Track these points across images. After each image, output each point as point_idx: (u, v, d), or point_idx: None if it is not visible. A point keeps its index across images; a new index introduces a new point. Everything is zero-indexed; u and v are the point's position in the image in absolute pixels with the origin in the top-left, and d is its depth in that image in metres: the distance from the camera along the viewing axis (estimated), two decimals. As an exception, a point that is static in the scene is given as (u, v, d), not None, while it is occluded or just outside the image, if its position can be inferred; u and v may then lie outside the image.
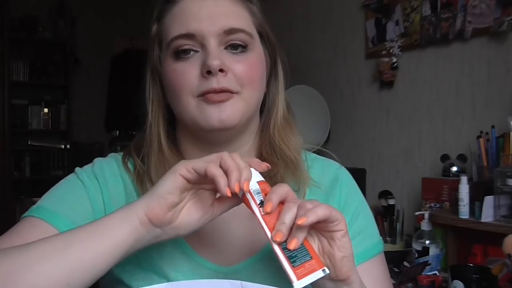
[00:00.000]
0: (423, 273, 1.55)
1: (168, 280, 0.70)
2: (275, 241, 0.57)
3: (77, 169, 0.78)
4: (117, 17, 4.57)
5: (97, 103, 4.51)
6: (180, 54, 0.71)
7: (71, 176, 0.77)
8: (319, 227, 0.60)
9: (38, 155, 4.25)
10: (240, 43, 0.72)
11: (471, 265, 1.44)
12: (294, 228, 0.58)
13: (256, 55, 0.74)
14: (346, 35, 2.58)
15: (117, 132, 4.32)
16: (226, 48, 0.72)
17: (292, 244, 0.57)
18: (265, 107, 0.80)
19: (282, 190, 0.60)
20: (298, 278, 0.57)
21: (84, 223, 0.62)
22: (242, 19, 0.73)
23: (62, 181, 0.76)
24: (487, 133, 1.69)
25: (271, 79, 0.80)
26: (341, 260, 0.60)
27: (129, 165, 0.78)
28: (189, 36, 0.70)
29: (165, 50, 0.73)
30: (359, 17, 2.47)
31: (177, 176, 0.60)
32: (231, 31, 0.71)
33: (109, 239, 0.59)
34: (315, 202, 0.60)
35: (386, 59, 2.27)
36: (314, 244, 0.61)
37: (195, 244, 0.73)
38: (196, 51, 0.71)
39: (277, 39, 0.80)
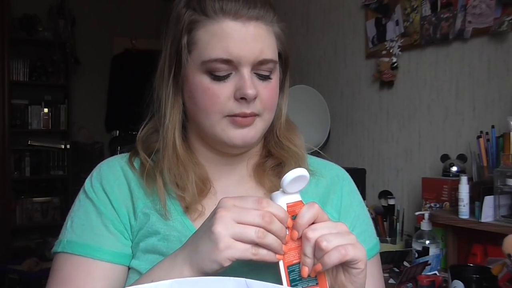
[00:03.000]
0: (423, 273, 1.55)
1: None
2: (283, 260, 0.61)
3: (87, 186, 0.80)
4: (117, 17, 4.57)
5: (97, 103, 4.51)
6: (216, 74, 0.74)
7: (82, 197, 0.80)
8: None
9: (38, 155, 4.25)
10: (268, 73, 0.76)
11: (471, 265, 1.44)
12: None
13: (276, 77, 0.79)
14: (346, 35, 2.58)
15: (117, 132, 4.33)
16: (256, 72, 0.75)
17: (304, 272, 0.62)
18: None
19: (310, 215, 0.63)
20: None
21: (108, 242, 0.74)
22: (272, 49, 0.76)
23: (76, 204, 0.80)
24: (487, 133, 1.69)
25: (280, 91, 0.83)
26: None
27: (135, 163, 0.81)
28: (228, 61, 0.73)
29: (198, 65, 0.75)
30: (359, 17, 2.47)
31: (223, 265, 0.61)
32: (263, 62, 0.74)
33: None
34: (340, 228, 0.63)
35: (386, 59, 2.27)
36: (332, 270, 0.64)
37: None
38: (231, 73, 0.74)
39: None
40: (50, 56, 4.30)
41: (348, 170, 0.90)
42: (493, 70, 1.87)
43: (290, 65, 0.84)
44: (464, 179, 1.63)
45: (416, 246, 1.67)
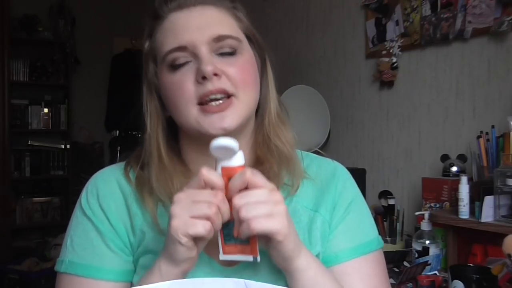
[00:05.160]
0: (423, 273, 1.55)
1: None
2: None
3: (83, 201, 0.79)
4: (117, 17, 4.56)
5: (97, 103, 4.51)
6: (175, 66, 0.74)
7: (78, 214, 0.79)
8: None
9: (38, 155, 4.25)
10: (229, 49, 0.75)
11: (471, 265, 1.44)
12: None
13: (246, 57, 0.78)
14: (346, 35, 2.58)
15: (117, 132, 4.33)
16: (217, 55, 0.75)
17: (235, 232, 0.64)
18: (259, 107, 0.82)
19: (239, 181, 0.64)
20: (224, 253, 0.66)
21: (110, 261, 0.74)
22: (228, 26, 0.77)
23: (73, 221, 0.79)
24: (487, 133, 1.69)
25: (262, 79, 0.82)
26: (276, 258, 0.67)
27: (131, 175, 0.80)
28: (182, 48, 0.73)
29: (160, 64, 0.77)
30: (359, 17, 2.47)
31: (182, 245, 0.63)
32: (219, 38, 0.74)
33: None
34: (268, 196, 0.64)
35: (386, 59, 2.27)
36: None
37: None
38: (190, 61, 0.74)
39: (265, 41, 0.83)
40: (50, 56, 4.30)
41: (348, 170, 0.88)
42: (493, 70, 1.87)
43: (264, 48, 0.82)
44: (464, 179, 1.62)
45: (416, 246, 1.67)
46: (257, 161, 0.79)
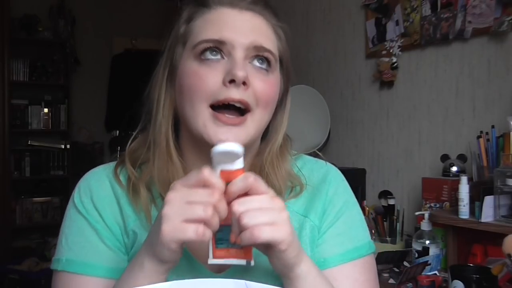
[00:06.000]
0: (423, 273, 1.55)
1: None
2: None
3: (76, 200, 0.77)
4: (117, 17, 4.57)
5: (97, 103, 4.51)
6: (206, 56, 0.71)
7: (72, 212, 0.77)
8: None
9: (38, 155, 4.25)
10: (265, 63, 0.73)
11: (471, 265, 1.44)
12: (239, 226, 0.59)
13: (276, 78, 0.76)
14: (346, 35, 2.58)
15: (117, 132, 4.33)
16: (251, 62, 0.72)
17: (232, 238, 0.60)
18: (267, 133, 0.80)
19: (240, 185, 0.60)
20: (215, 257, 0.62)
21: (108, 258, 0.73)
22: (271, 41, 0.75)
23: (67, 220, 0.77)
24: (487, 133, 1.69)
25: (279, 107, 0.80)
26: (277, 265, 0.64)
27: (121, 177, 0.78)
28: (220, 42, 0.70)
29: (189, 51, 0.73)
30: (359, 17, 2.47)
31: (172, 249, 0.59)
32: (259, 49, 0.72)
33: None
34: (271, 203, 0.60)
35: (386, 59, 2.27)
36: None
37: (194, 250, 0.73)
38: (222, 58, 0.71)
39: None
40: (50, 56, 4.31)
41: (348, 170, 0.88)
42: (493, 70, 1.87)
43: (291, 78, 0.80)
44: (464, 179, 1.62)
45: (416, 246, 1.67)
46: None
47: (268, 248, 0.62)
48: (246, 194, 0.60)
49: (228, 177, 0.60)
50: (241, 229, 0.59)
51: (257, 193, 0.60)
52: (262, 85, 0.72)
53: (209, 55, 0.71)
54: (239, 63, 0.69)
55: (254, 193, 0.60)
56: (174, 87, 0.75)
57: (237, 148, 0.59)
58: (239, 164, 0.61)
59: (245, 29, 0.72)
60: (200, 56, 0.71)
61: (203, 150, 0.72)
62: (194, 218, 0.57)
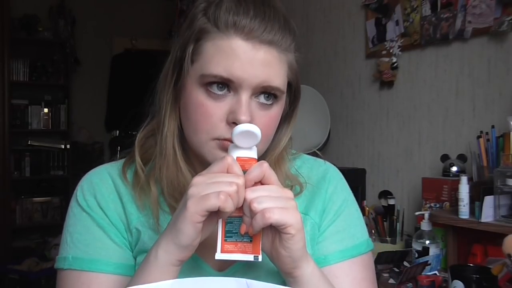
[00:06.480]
0: (423, 273, 1.55)
1: None
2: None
3: (79, 199, 0.77)
4: (117, 17, 4.57)
5: (97, 103, 4.52)
6: (213, 89, 0.70)
7: (76, 211, 0.77)
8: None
9: (38, 155, 4.26)
10: (270, 100, 0.72)
11: (471, 265, 1.44)
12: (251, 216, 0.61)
13: (279, 108, 0.75)
14: (346, 35, 2.58)
15: (117, 132, 4.33)
16: (257, 96, 0.71)
17: (243, 229, 0.62)
18: (270, 144, 0.79)
19: (257, 172, 0.63)
20: (223, 252, 0.62)
21: (116, 254, 0.73)
22: (280, 77, 0.72)
23: (71, 218, 0.77)
24: (487, 133, 1.69)
25: (283, 124, 0.80)
26: (284, 258, 0.64)
27: (128, 175, 0.78)
28: (228, 80, 0.69)
29: (197, 77, 0.71)
30: (359, 17, 2.47)
31: (195, 224, 0.60)
32: (267, 88, 0.71)
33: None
34: (281, 193, 0.63)
35: (386, 59, 2.27)
36: (269, 233, 0.64)
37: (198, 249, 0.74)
38: (228, 92, 0.70)
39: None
40: (50, 56, 4.31)
41: (348, 170, 0.88)
42: (493, 70, 1.87)
43: (300, 97, 0.80)
44: (464, 179, 1.62)
45: (416, 246, 1.67)
46: None
47: (275, 237, 0.63)
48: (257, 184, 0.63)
49: (243, 166, 0.63)
50: (253, 214, 0.60)
51: (269, 182, 0.63)
52: (264, 121, 0.72)
53: (215, 89, 0.70)
54: (243, 106, 0.69)
55: (266, 183, 0.63)
56: (179, 101, 0.75)
57: (256, 129, 0.62)
58: (254, 153, 0.65)
59: (256, 69, 0.69)
60: (207, 86, 0.70)
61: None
62: (219, 191, 0.59)
